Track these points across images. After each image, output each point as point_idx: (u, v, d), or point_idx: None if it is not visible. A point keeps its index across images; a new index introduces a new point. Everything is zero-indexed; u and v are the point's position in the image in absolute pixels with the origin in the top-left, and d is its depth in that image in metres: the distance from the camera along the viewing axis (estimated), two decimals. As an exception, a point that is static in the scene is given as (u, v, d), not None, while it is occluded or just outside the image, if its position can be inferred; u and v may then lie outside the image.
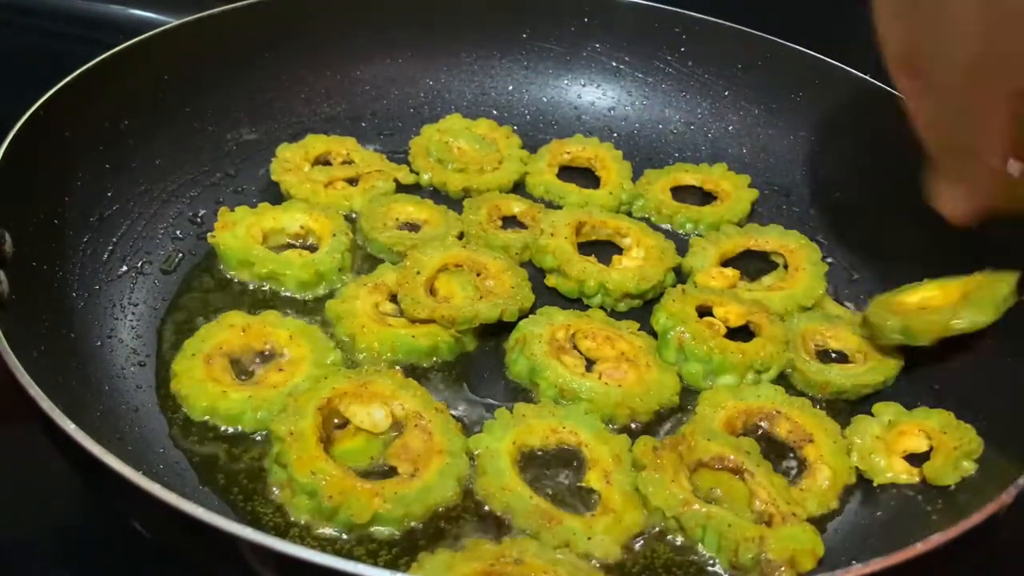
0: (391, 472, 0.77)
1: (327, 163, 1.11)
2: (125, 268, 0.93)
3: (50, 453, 0.69)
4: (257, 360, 0.86)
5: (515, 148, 1.17)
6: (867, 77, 1.12)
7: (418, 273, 0.93)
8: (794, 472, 0.82)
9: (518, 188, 1.13)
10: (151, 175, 1.00)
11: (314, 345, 0.86)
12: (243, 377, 0.84)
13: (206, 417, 0.80)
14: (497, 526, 0.74)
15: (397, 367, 0.86)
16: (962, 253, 0.99)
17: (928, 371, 0.90)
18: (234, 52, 1.11)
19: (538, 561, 0.68)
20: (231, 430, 0.80)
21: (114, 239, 0.94)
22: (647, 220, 1.10)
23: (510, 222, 1.07)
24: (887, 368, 0.90)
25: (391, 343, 0.87)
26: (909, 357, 0.91)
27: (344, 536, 0.72)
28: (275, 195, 1.05)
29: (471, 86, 1.24)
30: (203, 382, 0.81)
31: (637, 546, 0.74)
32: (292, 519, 0.73)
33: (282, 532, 0.72)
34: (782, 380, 0.91)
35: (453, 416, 0.82)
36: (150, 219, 0.98)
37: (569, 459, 0.81)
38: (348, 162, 1.11)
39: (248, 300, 0.93)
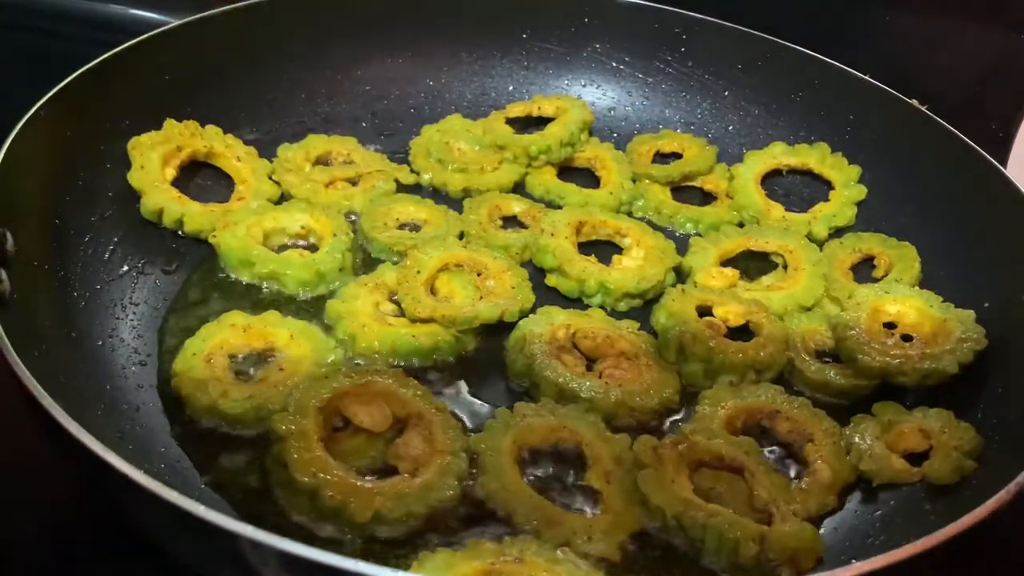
0: (392, 471, 0.77)
1: (328, 163, 1.11)
2: (126, 268, 0.93)
3: (50, 452, 0.69)
4: (258, 360, 0.86)
5: (515, 148, 1.17)
6: (867, 77, 1.12)
7: (418, 273, 0.93)
8: (794, 472, 0.82)
9: (518, 188, 1.13)
10: (151, 175, 1.00)
11: (315, 345, 0.86)
12: (244, 376, 0.84)
13: (207, 416, 0.80)
14: (497, 525, 0.74)
15: (398, 367, 0.87)
16: (961, 249, 1.00)
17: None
18: (234, 52, 1.11)
19: (538, 560, 0.68)
20: (232, 429, 0.80)
21: (115, 239, 0.94)
22: (647, 220, 1.10)
23: (510, 222, 1.07)
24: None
25: (391, 343, 0.87)
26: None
27: (345, 535, 0.72)
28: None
29: (471, 86, 1.24)
30: (204, 381, 0.81)
31: (637, 546, 0.75)
32: (293, 518, 0.73)
33: (283, 531, 0.72)
34: (782, 380, 0.91)
35: (453, 416, 0.82)
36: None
37: (569, 458, 0.81)
38: (349, 162, 1.12)
39: (249, 300, 0.93)
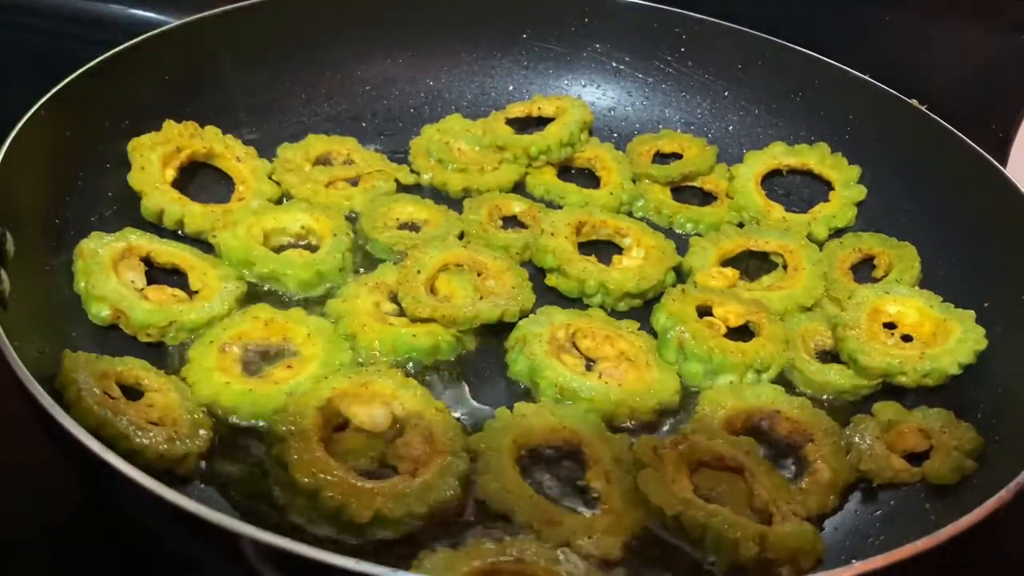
0: (392, 472, 0.77)
1: (328, 163, 1.11)
2: (126, 268, 0.93)
3: (50, 453, 0.69)
4: (276, 354, 0.86)
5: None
6: (867, 77, 1.12)
7: (419, 272, 0.93)
8: (794, 472, 0.82)
9: (518, 188, 1.13)
10: (151, 175, 1.00)
11: (328, 346, 0.86)
12: (253, 369, 0.84)
13: (207, 403, 0.80)
14: (497, 525, 0.74)
15: (398, 366, 0.87)
16: (961, 249, 1.00)
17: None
18: (234, 52, 1.11)
19: (538, 560, 0.68)
20: (232, 429, 0.80)
21: (115, 239, 0.94)
22: (647, 220, 1.10)
23: (510, 222, 1.08)
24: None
25: (392, 342, 0.87)
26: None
27: (345, 536, 0.72)
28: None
29: (471, 86, 1.24)
30: (211, 371, 0.81)
31: (637, 545, 0.74)
32: (293, 519, 0.73)
33: (283, 532, 0.72)
34: (782, 380, 0.91)
35: (453, 416, 0.82)
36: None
37: (569, 458, 0.81)
38: (349, 162, 1.12)
39: (249, 299, 0.93)
